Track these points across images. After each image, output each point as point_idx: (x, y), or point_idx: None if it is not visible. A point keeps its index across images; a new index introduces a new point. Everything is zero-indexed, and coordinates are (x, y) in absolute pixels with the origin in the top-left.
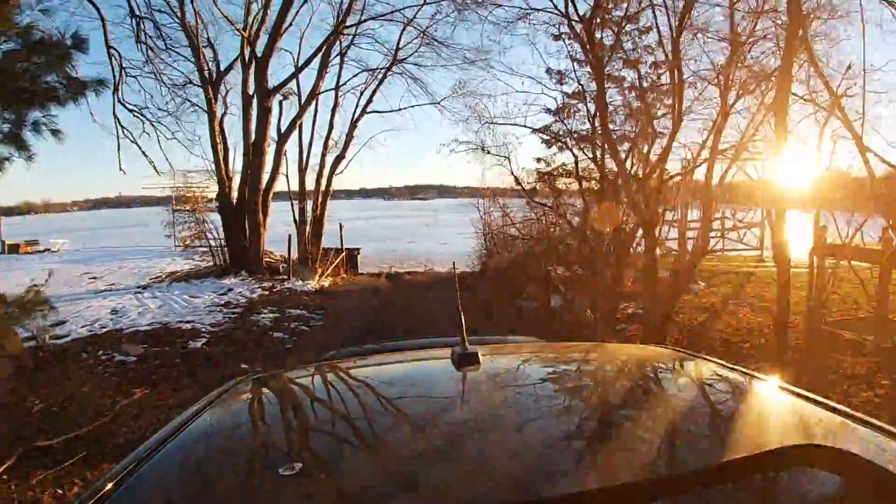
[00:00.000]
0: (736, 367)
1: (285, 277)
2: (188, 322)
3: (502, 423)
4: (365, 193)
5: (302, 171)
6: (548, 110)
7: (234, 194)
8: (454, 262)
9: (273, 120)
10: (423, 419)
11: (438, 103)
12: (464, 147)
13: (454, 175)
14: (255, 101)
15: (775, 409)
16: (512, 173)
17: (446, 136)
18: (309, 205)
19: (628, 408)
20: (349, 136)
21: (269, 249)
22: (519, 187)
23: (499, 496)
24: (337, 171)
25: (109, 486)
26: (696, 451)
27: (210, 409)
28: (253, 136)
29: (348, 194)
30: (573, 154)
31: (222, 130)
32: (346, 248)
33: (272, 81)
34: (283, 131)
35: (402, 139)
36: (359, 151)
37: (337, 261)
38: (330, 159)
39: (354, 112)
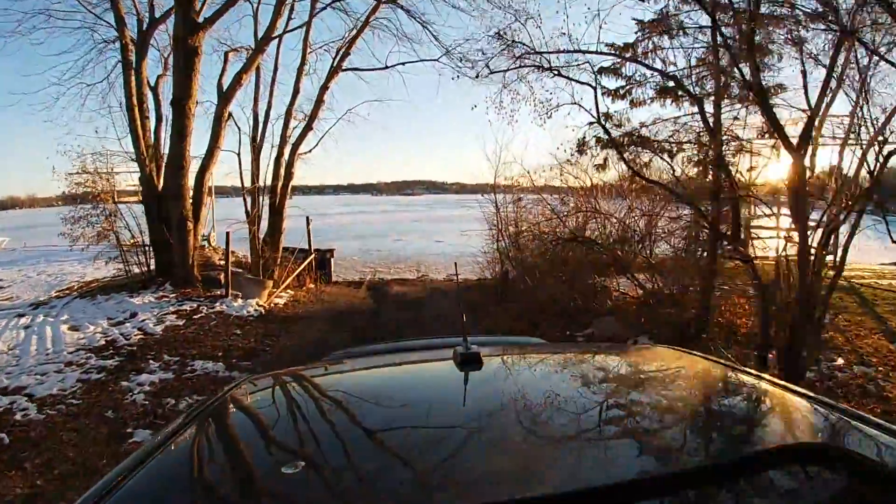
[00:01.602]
0: (737, 365)
1: (222, 293)
2: (10, 393)
3: (504, 423)
4: (352, 189)
5: (256, 148)
6: (640, 25)
7: (163, 180)
8: (455, 265)
9: (208, 74)
10: (425, 419)
11: (447, 53)
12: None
13: (443, 171)
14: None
15: (780, 408)
16: (580, 148)
17: (444, 120)
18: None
19: (631, 407)
20: (319, 102)
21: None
22: (575, 158)
23: (501, 495)
24: (303, 151)
25: (112, 486)
26: (700, 450)
27: (212, 409)
28: (172, 91)
29: (335, 190)
30: (694, 102)
31: (143, 92)
32: (314, 250)
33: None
34: (225, 89)
35: (387, 117)
36: (334, 126)
37: (301, 267)
38: (295, 135)
39: (329, 71)
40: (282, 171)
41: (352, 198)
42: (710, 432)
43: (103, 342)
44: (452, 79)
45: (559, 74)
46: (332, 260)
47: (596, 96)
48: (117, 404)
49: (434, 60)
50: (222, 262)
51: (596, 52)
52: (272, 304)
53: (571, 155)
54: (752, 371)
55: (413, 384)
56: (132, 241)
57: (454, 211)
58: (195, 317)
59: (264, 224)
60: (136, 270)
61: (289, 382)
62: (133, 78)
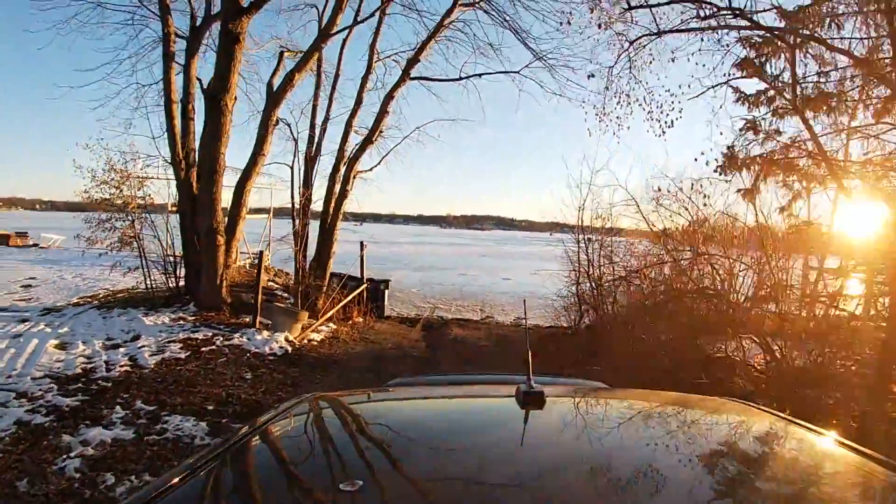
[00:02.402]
0: (807, 424)
1: (249, 321)
2: None
3: (565, 468)
4: (422, 220)
5: (310, 158)
6: None
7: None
8: (525, 303)
9: (255, 70)
10: (482, 454)
11: (541, 58)
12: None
13: (512, 207)
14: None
15: (844, 468)
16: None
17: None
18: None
19: (694, 461)
20: (382, 113)
21: (279, 269)
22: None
23: None
24: (363, 169)
25: (175, 481)
26: None
27: (274, 423)
28: (208, 84)
29: (405, 220)
30: None
31: (190, 91)
32: (368, 279)
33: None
34: (275, 89)
35: (459, 138)
36: (399, 144)
37: (348, 298)
38: (352, 148)
39: (397, 79)
40: (336, 187)
41: (421, 228)
42: (777, 491)
43: (79, 370)
44: (552, 94)
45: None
46: (386, 292)
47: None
48: (39, 472)
49: (515, 73)
50: (272, 284)
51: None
52: (304, 341)
53: (716, 170)
54: (824, 430)
55: (473, 418)
56: (165, 251)
57: (523, 247)
58: (204, 349)
59: (313, 249)
60: (149, 287)
61: (349, 403)
62: (173, 73)
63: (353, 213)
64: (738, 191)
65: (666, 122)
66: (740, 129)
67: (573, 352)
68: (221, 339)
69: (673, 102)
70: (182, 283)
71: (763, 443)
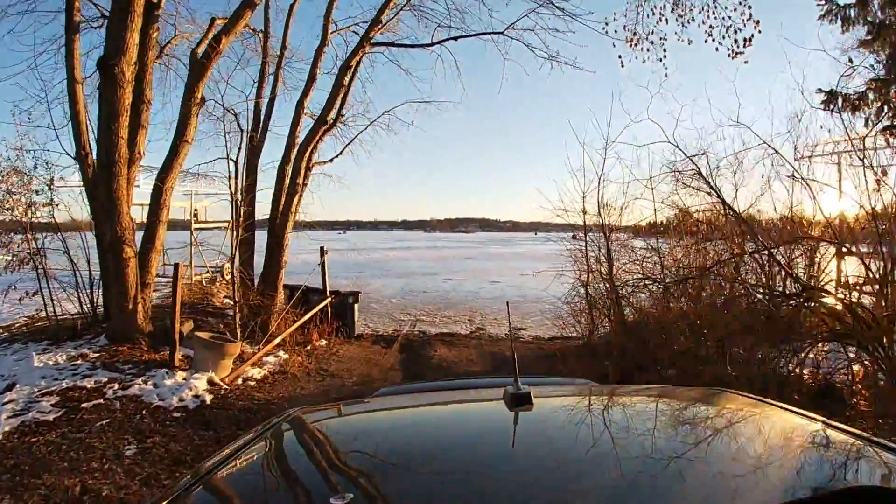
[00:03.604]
0: (796, 409)
1: (166, 356)
2: None
3: (556, 467)
4: (406, 226)
5: (253, 147)
6: None
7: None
8: (507, 305)
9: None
10: (473, 459)
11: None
12: None
13: (495, 209)
14: None
15: (837, 450)
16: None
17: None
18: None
19: (686, 452)
20: (338, 86)
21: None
22: None
23: None
24: (319, 160)
25: None
26: (757, 496)
27: (262, 438)
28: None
29: (389, 226)
30: None
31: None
32: (331, 293)
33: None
34: (199, 55)
35: (437, 123)
36: (366, 130)
37: (304, 318)
38: (304, 134)
39: (355, 45)
40: (286, 182)
41: (404, 234)
42: (771, 475)
43: None
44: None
45: None
46: (356, 306)
47: None
48: None
49: (498, 34)
50: (228, 302)
51: None
52: (237, 381)
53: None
54: (812, 414)
55: (462, 422)
56: (75, 269)
57: (509, 248)
58: (86, 404)
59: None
60: (51, 316)
61: (339, 415)
62: (78, 46)
63: (336, 220)
64: (885, 129)
65: (740, 41)
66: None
67: (591, 367)
68: (117, 386)
69: (744, 14)
70: (100, 309)
71: (754, 429)
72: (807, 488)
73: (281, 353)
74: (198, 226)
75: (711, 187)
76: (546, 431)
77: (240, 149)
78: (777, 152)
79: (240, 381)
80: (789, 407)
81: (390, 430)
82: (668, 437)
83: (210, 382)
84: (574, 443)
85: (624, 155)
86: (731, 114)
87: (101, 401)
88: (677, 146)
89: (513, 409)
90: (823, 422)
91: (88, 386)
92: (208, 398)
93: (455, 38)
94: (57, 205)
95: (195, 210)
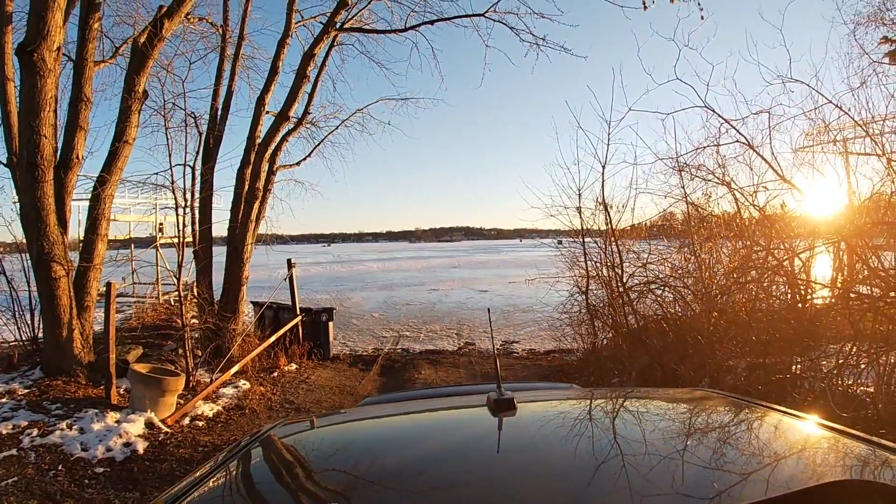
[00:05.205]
0: (776, 406)
1: (102, 394)
2: None
3: (540, 472)
4: (391, 236)
5: (209, 147)
6: None
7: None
8: (489, 311)
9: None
10: (457, 465)
11: None
12: None
13: (480, 217)
14: None
15: (814, 445)
16: None
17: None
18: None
19: (668, 451)
20: (301, 78)
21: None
22: None
23: None
24: (285, 163)
25: None
26: (737, 492)
27: (248, 449)
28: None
29: (374, 237)
30: None
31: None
32: (302, 311)
33: None
34: (141, 44)
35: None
36: (337, 129)
37: (272, 338)
38: (265, 133)
39: (319, 32)
40: (245, 187)
41: (389, 245)
42: (750, 472)
43: None
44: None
45: None
46: (330, 324)
47: None
48: None
49: (479, 16)
50: (195, 322)
51: None
52: (181, 423)
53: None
54: (792, 410)
55: (446, 429)
56: (13, 290)
57: (495, 255)
58: None
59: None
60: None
61: (324, 426)
62: (10, 37)
63: (321, 233)
64: None
65: None
66: None
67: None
68: (36, 432)
69: None
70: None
71: (739, 428)
72: (792, 483)
73: (241, 382)
74: (164, 240)
75: (768, 163)
76: (530, 436)
77: (197, 153)
78: (855, 121)
79: (187, 420)
80: (775, 406)
81: (373, 440)
82: (654, 438)
83: (148, 425)
84: (558, 447)
85: (627, 141)
86: (778, 73)
87: (14, 452)
88: (713, 110)
89: (496, 414)
90: (812, 420)
91: (4, 432)
92: (141, 446)
93: (431, 23)
94: None
95: (160, 224)
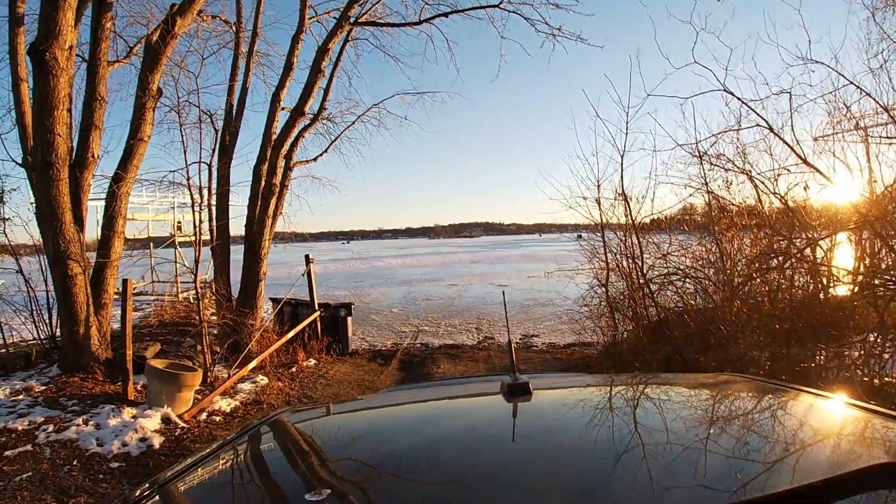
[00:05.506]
0: (807, 388)
1: (118, 390)
2: None
3: (555, 455)
4: (410, 233)
5: (224, 145)
6: None
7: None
8: (503, 294)
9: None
10: (470, 450)
11: None
12: None
13: (499, 212)
14: None
15: (853, 426)
16: None
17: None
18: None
19: (693, 437)
20: (315, 73)
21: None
22: None
23: None
24: (301, 159)
25: (139, 500)
26: (768, 479)
27: (253, 433)
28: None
29: (393, 234)
30: None
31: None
32: (320, 306)
33: None
34: (154, 42)
35: (435, 121)
36: (352, 125)
37: (287, 336)
38: (280, 129)
39: (333, 27)
40: (261, 184)
41: (409, 241)
42: (784, 458)
43: None
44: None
45: None
46: (349, 319)
47: None
48: None
49: (493, 7)
50: (214, 319)
51: None
52: (198, 419)
53: None
54: (825, 392)
55: (458, 414)
56: (30, 289)
57: (515, 250)
58: (10, 452)
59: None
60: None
61: (333, 413)
62: (22, 38)
63: (340, 231)
64: None
65: None
66: None
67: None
68: (52, 428)
69: None
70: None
71: (769, 412)
72: (835, 467)
73: (259, 377)
74: (182, 238)
75: (790, 147)
76: (545, 421)
77: (213, 150)
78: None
79: (204, 415)
80: (805, 388)
81: (383, 424)
82: (678, 423)
83: (165, 420)
84: (575, 432)
85: (646, 130)
86: (798, 54)
87: (30, 447)
88: (732, 93)
89: (510, 399)
90: (846, 400)
91: (20, 428)
92: (157, 441)
93: (446, 15)
94: (7, 219)
95: (178, 222)
